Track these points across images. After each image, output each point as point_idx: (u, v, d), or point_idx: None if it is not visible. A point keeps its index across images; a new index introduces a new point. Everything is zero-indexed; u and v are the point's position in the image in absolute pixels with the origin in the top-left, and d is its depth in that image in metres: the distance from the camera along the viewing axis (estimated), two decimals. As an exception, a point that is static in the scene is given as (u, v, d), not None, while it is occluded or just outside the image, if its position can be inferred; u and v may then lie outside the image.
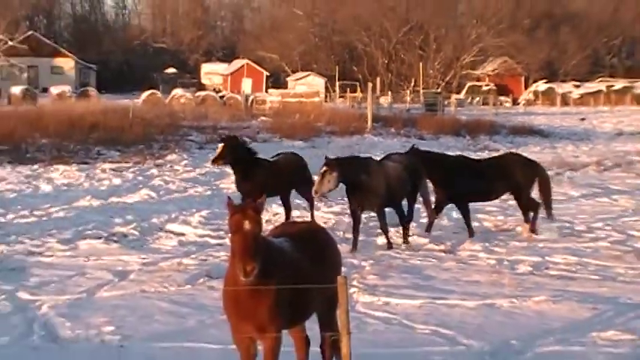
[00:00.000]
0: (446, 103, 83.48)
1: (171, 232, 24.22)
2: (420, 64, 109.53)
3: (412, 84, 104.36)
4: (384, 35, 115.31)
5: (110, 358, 13.84)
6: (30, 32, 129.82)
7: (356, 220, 21.95)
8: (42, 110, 62.39)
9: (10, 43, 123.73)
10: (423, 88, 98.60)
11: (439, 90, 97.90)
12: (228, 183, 33.71)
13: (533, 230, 23.77)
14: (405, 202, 23.32)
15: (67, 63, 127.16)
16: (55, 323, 15.69)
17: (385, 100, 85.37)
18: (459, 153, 30.73)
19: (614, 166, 41.90)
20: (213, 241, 22.62)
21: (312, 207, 25.09)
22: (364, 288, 17.49)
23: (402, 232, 22.90)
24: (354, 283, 17.36)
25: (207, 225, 24.89)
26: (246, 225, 9.98)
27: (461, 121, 62.45)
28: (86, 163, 41.03)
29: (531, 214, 24.01)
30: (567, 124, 69.96)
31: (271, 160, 25.90)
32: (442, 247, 22.26)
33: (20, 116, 51.99)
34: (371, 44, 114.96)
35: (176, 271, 19.55)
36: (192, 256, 21.06)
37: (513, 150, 47.10)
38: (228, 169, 26.47)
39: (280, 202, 25.91)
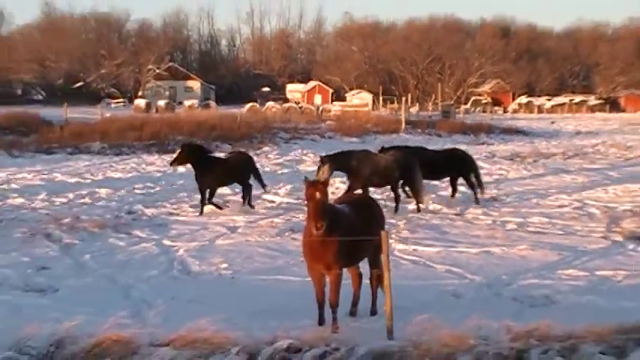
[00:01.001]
0: (456, 111, 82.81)
1: (266, 200, 24.34)
2: (439, 84, 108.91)
3: (433, 98, 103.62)
4: (414, 64, 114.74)
5: (225, 286, 14.40)
6: (170, 63, 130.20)
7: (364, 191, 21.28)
8: (178, 117, 62.42)
9: (157, 70, 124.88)
10: (440, 101, 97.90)
11: (452, 102, 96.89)
12: (305, 166, 34.02)
13: (477, 200, 23.95)
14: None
15: (195, 84, 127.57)
16: (188, 261, 16.27)
17: (414, 110, 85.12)
18: (437, 147, 30.00)
19: (574, 155, 41.32)
20: (295, 207, 22.65)
21: (250, 192, 23.18)
22: (399, 239, 17.82)
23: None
24: (392, 236, 17.47)
25: (291, 195, 24.92)
26: (317, 195, 10.51)
27: (467, 124, 61.76)
28: None
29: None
30: (541, 126, 68.91)
31: (224, 157, 24.70)
32: (454, 211, 22.41)
33: (164, 121, 51.89)
34: (404, 70, 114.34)
35: (269, 227, 19.86)
36: (281, 217, 21.35)
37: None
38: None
39: (339, 179, 25.32)
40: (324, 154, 22.41)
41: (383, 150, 23.97)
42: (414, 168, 22.09)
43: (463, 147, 42.24)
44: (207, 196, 22.19)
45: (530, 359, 7.87)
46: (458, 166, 24.36)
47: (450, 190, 24.69)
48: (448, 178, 24.88)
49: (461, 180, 24.21)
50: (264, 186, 23.72)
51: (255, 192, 23.20)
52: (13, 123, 51.29)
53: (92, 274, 15.41)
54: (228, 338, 8.64)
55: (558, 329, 8.88)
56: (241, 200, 22.96)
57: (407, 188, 23.37)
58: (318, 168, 21.22)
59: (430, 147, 28.31)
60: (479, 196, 23.99)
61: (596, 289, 13.70)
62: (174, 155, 23.08)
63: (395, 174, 21.75)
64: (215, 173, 22.30)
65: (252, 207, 22.47)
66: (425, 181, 23.34)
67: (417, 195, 22.32)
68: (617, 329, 8.76)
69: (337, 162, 21.26)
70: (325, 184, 11.27)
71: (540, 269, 15.39)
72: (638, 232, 19.07)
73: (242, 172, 22.92)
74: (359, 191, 20.98)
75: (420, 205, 22.40)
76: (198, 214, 21.91)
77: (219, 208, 22.20)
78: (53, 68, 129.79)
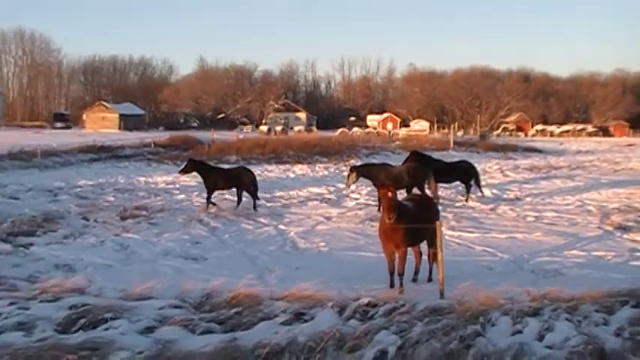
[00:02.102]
0: (490, 135, 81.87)
1: (353, 198, 24.03)
2: (477, 115, 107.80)
3: (473, 125, 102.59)
4: (459, 101, 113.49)
5: (322, 258, 14.52)
6: (285, 100, 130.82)
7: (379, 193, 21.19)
8: (290, 138, 63.07)
9: (276, 105, 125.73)
10: (479, 127, 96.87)
11: (487, 128, 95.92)
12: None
13: (467, 199, 23.56)
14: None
15: (302, 115, 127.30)
16: (296, 241, 16.44)
17: (459, 133, 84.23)
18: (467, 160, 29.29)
19: (576, 167, 40.56)
20: (372, 203, 22.25)
21: (255, 198, 21.91)
22: (449, 227, 17.60)
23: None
24: (444, 224, 17.50)
25: (369, 195, 24.36)
26: (389, 194, 10.66)
27: (498, 144, 60.66)
28: (310, 163, 41.30)
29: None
30: (552, 146, 67.31)
31: (225, 169, 24.41)
32: (488, 207, 22.14)
33: (280, 141, 52.31)
34: (453, 105, 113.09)
35: (354, 217, 19.88)
36: (362, 210, 21.22)
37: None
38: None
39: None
40: (352, 165, 22.49)
41: (406, 160, 24.13)
42: (419, 174, 21.73)
43: (495, 161, 41.94)
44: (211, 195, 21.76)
45: (544, 315, 7.83)
46: (463, 174, 24.22)
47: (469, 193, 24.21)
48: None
49: (495, 186, 24.13)
50: (255, 198, 21.95)
51: (340, 193, 22.90)
52: (177, 142, 52.56)
53: (230, 248, 15.71)
54: (325, 295, 8.74)
55: (564, 293, 8.87)
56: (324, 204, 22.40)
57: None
58: (348, 175, 21.57)
59: (458, 160, 27.63)
60: (479, 194, 23.90)
61: (593, 265, 13.68)
62: (182, 167, 22.99)
63: (405, 179, 21.36)
64: (215, 179, 21.91)
65: (255, 210, 21.30)
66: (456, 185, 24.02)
67: (430, 191, 21.98)
68: (607, 294, 8.74)
69: (361, 171, 21.68)
70: (394, 186, 11.57)
71: (551, 250, 15.35)
72: (623, 223, 18.96)
73: (240, 181, 22.03)
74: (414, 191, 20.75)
75: (435, 195, 21.82)
76: (206, 207, 21.36)
77: (214, 204, 21.55)
78: (204, 104, 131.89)
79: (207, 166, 23.30)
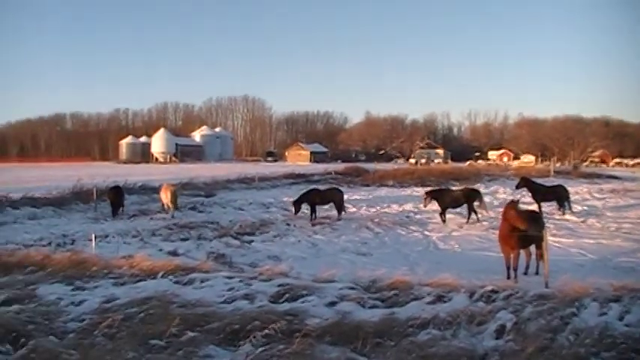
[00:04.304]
0: (581, 165, 76.12)
1: (481, 213, 23.02)
2: (571, 151, 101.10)
3: (568, 158, 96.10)
4: (557, 140, 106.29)
5: (457, 256, 14.20)
6: (427, 140, 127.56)
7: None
8: (431, 168, 62.18)
9: (421, 144, 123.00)
10: (572, 160, 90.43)
11: (578, 160, 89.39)
12: (499, 194, 31.23)
13: (563, 214, 22.09)
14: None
15: (440, 151, 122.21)
16: (437, 243, 16.17)
17: (558, 164, 78.92)
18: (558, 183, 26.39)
19: None
20: (495, 216, 21.48)
21: (340, 212, 21.53)
22: (550, 235, 16.61)
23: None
24: (548, 233, 16.54)
25: (491, 209, 22.68)
26: (512, 210, 10.34)
27: (586, 172, 55.34)
28: (446, 186, 40.18)
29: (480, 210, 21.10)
30: (628, 174, 58.59)
31: (322, 189, 23.72)
32: (580, 220, 20.56)
33: (424, 170, 51.51)
34: (552, 144, 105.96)
35: (480, 226, 19.15)
36: (486, 222, 20.06)
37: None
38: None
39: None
40: (426, 190, 21.94)
41: (519, 184, 24.43)
42: (472, 196, 20.79)
43: (585, 185, 38.69)
44: (316, 208, 21.52)
45: (624, 301, 7.35)
46: (559, 195, 23.01)
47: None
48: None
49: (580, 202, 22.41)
50: (340, 212, 21.63)
51: (459, 210, 21.55)
52: (350, 171, 53.03)
53: (389, 247, 15.69)
54: (459, 283, 8.56)
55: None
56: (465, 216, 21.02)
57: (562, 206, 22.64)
58: (424, 198, 20.90)
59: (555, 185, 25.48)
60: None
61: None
62: (299, 196, 22.40)
63: (462, 199, 20.63)
64: (314, 198, 21.71)
65: (339, 219, 20.98)
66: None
67: (479, 207, 20.76)
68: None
69: (432, 195, 20.98)
70: (516, 204, 11.21)
71: (629, 252, 14.45)
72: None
73: (331, 198, 21.97)
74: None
75: (484, 212, 20.79)
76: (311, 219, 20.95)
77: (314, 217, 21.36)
78: (369, 143, 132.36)
79: (315, 189, 23.30)
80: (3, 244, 14.97)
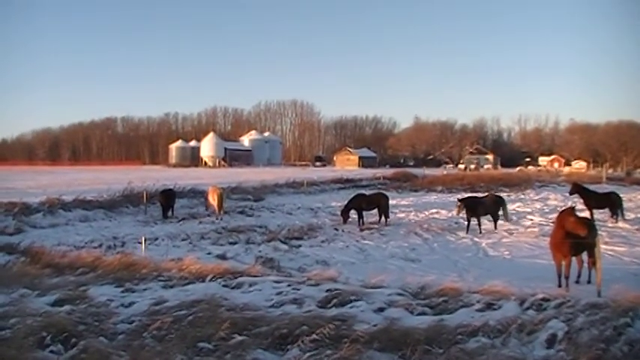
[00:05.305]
0: (634, 172, 72.74)
1: (528, 219, 22.42)
2: (624, 157, 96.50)
3: (620, 164, 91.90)
4: (610, 145, 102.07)
5: (507, 263, 13.87)
6: (477, 145, 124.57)
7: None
8: (481, 173, 61.29)
9: (470, 150, 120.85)
10: (625, 166, 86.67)
11: (631, 167, 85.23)
12: (551, 201, 30.48)
13: (616, 221, 21.26)
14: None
15: (490, 156, 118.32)
16: (487, 249, 15.84)
17: (610, 170, 75.37)
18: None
19: None
20: (544, 223, 20.76)
21: (387, 217, 21.36)
22: (603, 242, 16.07)
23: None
24: (600, 241, 16.01)
25: (542, 216, 22.79)
26: (569, 216, 10.07)
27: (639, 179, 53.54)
28: (496, 192, 39.31)
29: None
30: None
31: (368, 194, 23.31)
32: (634, 228, 20.11)
33: (474, 176, 50.64)
34: (604, 149, 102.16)
35: (530, 233, 18.55)
36: (537, 228, 19.67)
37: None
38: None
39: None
40: (459, 198, 21.04)
41: (571, 190, 23.81)
42: (498, 203, 20.56)
43: (638, 193, 36.68)
44: (363, 214, 21.30)
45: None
46: (612, 202, 22.14)
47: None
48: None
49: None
50: (386, 217, 21.39)
51: (519, 214, 21.34)
52: (398, 176, 52.89)
53: (438, 253, 15.48)
54: (510, 291, 8.38)
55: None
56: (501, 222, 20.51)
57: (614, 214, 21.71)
58: (457, 206, 20.14)
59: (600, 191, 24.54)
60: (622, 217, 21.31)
61: None
62: (342, 209, 22.01)
63: (491, 207, 20.18)
64: (360, 203, 21.47)
65: (386, 225, 20.83)
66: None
67: (503, 216, 20.53)
68: None
69: (464, 202, 20.15)
70: (573, 210, 10.98)
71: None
72: None
73: (377, 202, 21.62)
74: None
75: (506, 220, 20.60)
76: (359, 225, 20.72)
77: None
78: (418, 149, 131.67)
79: (361, 194, 23.16)
80: (55, 246, 15.36)
